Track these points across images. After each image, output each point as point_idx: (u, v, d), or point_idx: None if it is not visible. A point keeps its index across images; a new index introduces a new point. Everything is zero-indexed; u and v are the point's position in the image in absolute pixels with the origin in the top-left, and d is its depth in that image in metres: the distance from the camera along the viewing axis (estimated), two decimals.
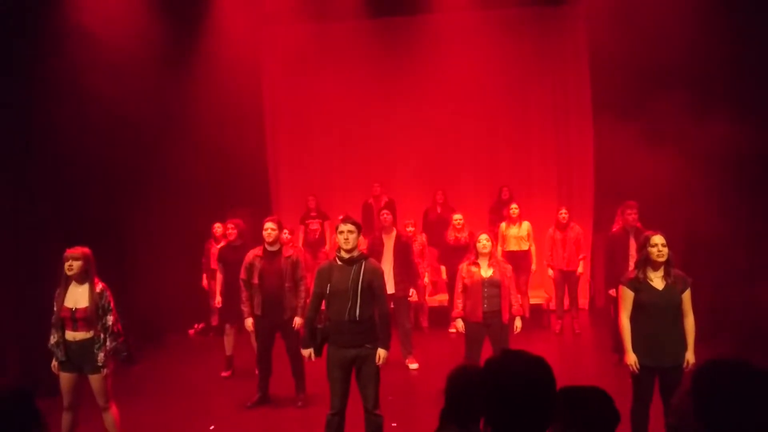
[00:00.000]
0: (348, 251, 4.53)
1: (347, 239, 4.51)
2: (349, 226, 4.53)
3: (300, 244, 9.27)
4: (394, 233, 7.23)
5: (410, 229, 8.07)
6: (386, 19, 9.79)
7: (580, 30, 9.55)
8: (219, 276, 7.09)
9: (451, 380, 2.23)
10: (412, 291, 7.17)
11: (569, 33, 9.73)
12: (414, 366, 7.04)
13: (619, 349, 6.67)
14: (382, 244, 7.13)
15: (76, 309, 4.53)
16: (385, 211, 7.41)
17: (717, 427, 1.57)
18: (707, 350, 3.65)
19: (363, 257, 4.62)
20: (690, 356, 4.33)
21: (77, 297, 4.56)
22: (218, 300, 7.08)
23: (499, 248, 8.14)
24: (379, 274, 4.60)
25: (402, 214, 8.73)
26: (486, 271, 5.54)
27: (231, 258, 6.72)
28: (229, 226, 7.04)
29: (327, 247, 9.43)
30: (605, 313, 8.24)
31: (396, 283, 6.96)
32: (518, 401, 1.70)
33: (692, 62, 7.03)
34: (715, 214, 6.81)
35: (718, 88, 7.04)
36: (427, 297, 8.81)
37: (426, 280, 8.31)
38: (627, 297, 4.43)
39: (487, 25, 9.42)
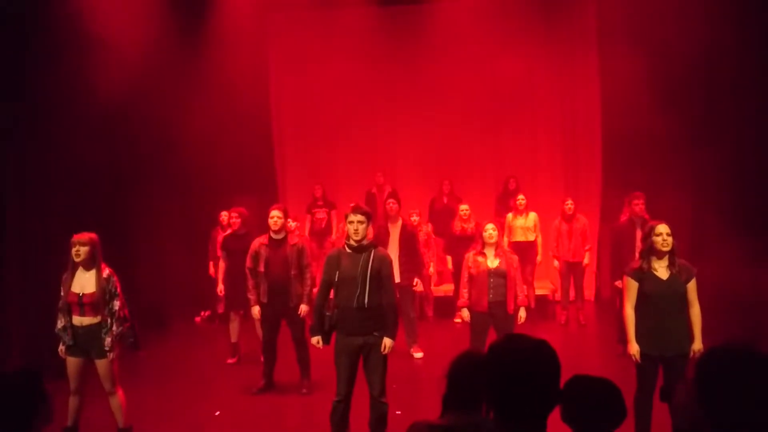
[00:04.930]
0: (357, 241, 4.52)
1: (357, 230, 4.49)
2: (360, 217, 4.50)
3: (306, 233, 9.25)
4: (399, 222, 7.22)
5: (415, 218, 8.05)
6: (393, 6, 9.75)
7: (590, 12, 9.48)
8: (221, 264, 7.10)
9: (455, 365, 2.23)
10: (416, 280, 7.17)
11: (578, 17, 9.65)
12: (419, 355, 7.05)
13: (623, 340, 6.66)
14: (387, 234, 7.12)
15: (83, 294, 4.55)
16: (391, 200, 7.39)
17: (720, 413, 1.56)
18: (713, 338, 3.63)
19: (372, 245, 4.61)
20: (697, 345, 4.30)
21: (84, 282, 4.58)
22: (220, 288, 7.11)
23: (506, 239, 8.14)
24: (388, 263, 4.60)
25: (406, 203, 8.69)
26: (492, 261, 5.54)
27: (234, 246, 6.73)
28: (233, 214, 7.04)
29: (333, 236, 9.41)
30: (611, 304, 8.22)
31: (401, 273, 6.94)
32: (521, 383, 1.70)
33: (702, 37, 6.84)
34: (723, 203, 6.72)
35: (728, 65, 6.88)
36: (432, 287, 8.81)
37: (431, 269, 8.30)
38: (631, 287, 4.42)
39: (494, 11, 9.37)
